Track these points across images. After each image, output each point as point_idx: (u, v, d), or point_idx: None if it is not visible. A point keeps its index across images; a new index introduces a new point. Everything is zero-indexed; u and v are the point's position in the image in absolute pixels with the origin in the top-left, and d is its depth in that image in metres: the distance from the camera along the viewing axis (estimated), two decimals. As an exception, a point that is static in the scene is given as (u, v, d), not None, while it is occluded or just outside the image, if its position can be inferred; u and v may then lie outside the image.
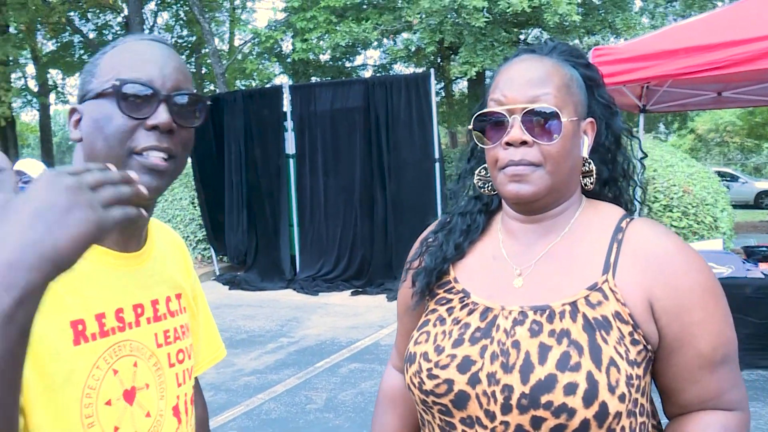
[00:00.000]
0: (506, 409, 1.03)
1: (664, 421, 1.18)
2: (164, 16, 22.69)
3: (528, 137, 1.08)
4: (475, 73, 12.60)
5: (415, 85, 8.92)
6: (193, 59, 20.35)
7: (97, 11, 20.26)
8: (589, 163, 1.18)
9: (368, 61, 23.06)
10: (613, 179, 1.24)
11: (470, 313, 1.14)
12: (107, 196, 0.76)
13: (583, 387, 0.99)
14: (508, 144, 1.10)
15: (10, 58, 14.49)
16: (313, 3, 13.17)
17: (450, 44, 13.54)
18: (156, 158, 0.99)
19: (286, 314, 7.87)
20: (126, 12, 17.98)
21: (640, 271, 1.08)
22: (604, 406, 0.99)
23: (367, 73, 20.18)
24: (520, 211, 1.18)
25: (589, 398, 0.98)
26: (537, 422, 1.01)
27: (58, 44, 20.91)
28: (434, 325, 1.16)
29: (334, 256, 9.45)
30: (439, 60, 18.45)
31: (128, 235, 1.07)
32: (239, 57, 17.08)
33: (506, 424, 1.03)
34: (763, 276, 5.10)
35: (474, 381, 1.06)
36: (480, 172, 1.24)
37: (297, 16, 13.19)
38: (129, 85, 0.98)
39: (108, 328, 1.00)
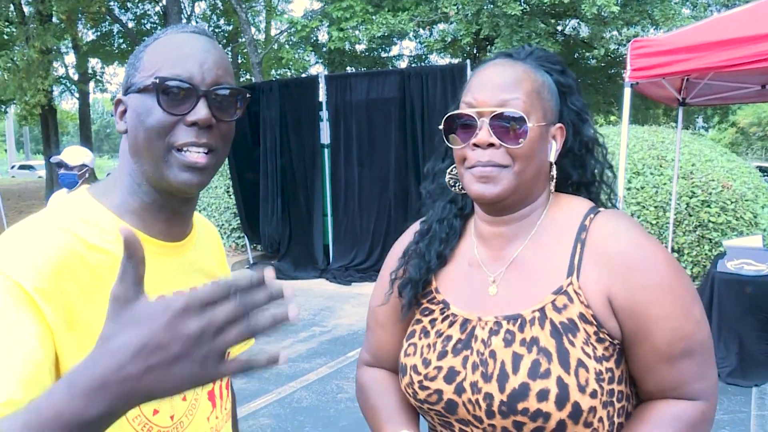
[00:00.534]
0: (490, 414, 1.11)
1: None
2: (201, 6, 22.91)
3: (495, 140, 1.12)
4: (510, 64, 12.49)
5: (451, 76, 8.87)
6: (229, 48, 20.52)
7: (136, 1, 20.55)
8: (553, 168, 1.21)
9: (404, 51, 23.00)
10: (583, 183, 1.27)
11: (451, 324, 1.20)
12: (229, 342, 0.67)
13: (555, 392, 1.05)
14: (475, 145, 1.14)
15: (53, 48, 14.76)
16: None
17: (486, 36, 13.44)
18: (196, 155, 1.00)
19: (319, 303, 7.94)
20: (164, 2, 18.19)
21: (600, 270, 1.11)
22: (576, 405, 1.05)
23: (403, 64, 20.14)
24: (487, 212, 1.21)
25: (561, 401, 1.05)
26: (518, 426, 1.09)
27: (98, 34, 21.27)
28: (419, 338, 1.23)
29: (367, 247, 9.49)
30: (475, 51, 18.34)
31: (176, 224, 1.09)
32: (275, 47, 17.17)
33: (493, 426, 1.12)
34: (804, 274, 4.99)
35: (459, 390, 1.14)
36: (451, 170, 1.28)
37: (333, 5, 13.23)
38: (168, 81, 0.99)
39: None
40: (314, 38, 17.83)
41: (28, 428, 0.66)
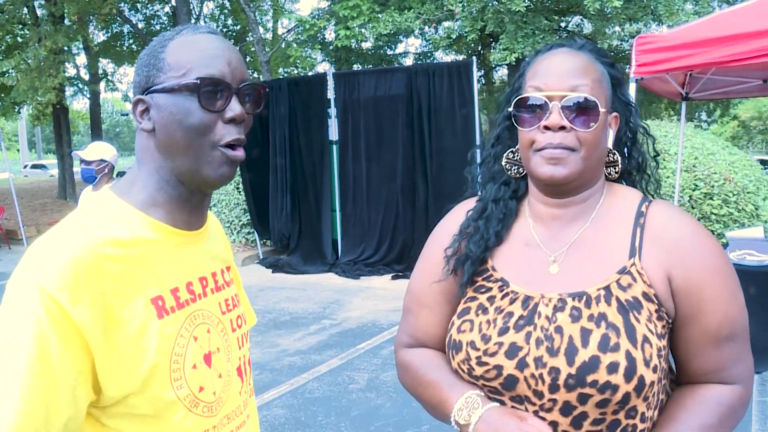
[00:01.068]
0: (554, 389, 1.13)
1: None
2: (210, 6, 23.04)
3: (566, 123, 1.16)
4: (514, 59, 12.58)
5: (457, 73, 8.96)
6: (238, 48, 20.66)
7: (146, 2, 20.71)
8: (614, 154, 1.28)
9: (409, 48, 23.07)
10: (627, 172, 1.33)
11: (512, 302, 1.22)
12: None
13: (624, 365, 1.10)
14: (546, 128, 1.17)
15: (64, 47, 14.91)
16: (356, -9, 13.28)
17: (491, 32, 13.52)
18: (238, 150, 1.08)
19: (328, 297, 8.07)
20: (173, 2, 18.33)
21: (660, 253, 1.18)
22: (641, 379, 1.10)
23: (408, 61, 20.21)
24: (549, 194, 1.25)
25: (629, 374, 1.09)
26: (584, 398, 1.11)
27: (109, 35, 21.43)
28: (476, 314, 1.24)
29: (375, 241, 9.62)
30: (479, 48, 18.41)
31: (198, 215, 1.18)
32: (282, 45, 17.30)
33: (554, 401, 1.14)
34: (804, 264, 5.08)
35: (522, 365, 1.16)
36: (508, 155, 1.31)
37: (340, 4, 13.33)
38: (207, 81, 1.04)
39: (183, 300, 1.10)
40: (321, 37, 17.93)
41: None
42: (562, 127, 1.17)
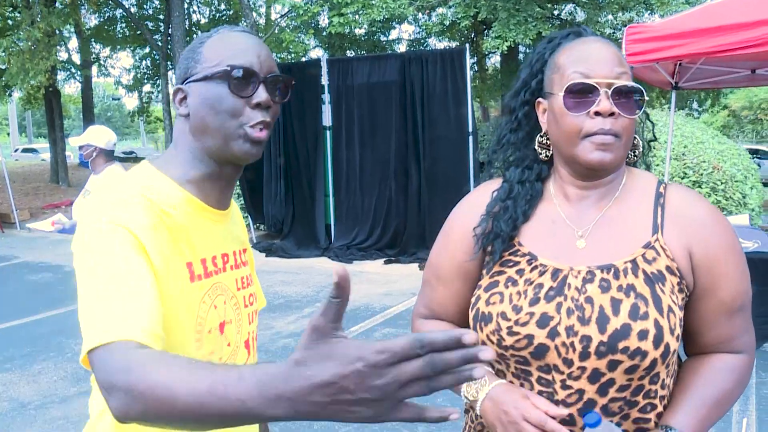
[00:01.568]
0: (584, 356, 1.18)
1: None
2: (203, -10, 22.92)
3: (616, 109, 1.20)
4: (507, 48, 12.64)
5: (450, 60, 9.03)
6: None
7: (138, -15, 20.60)
8: (635, 138, 1.33)
9: (403, 35, 23.04)
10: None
11: (541, 274, 1.26)
12: (408, 395, 0.70)
13: (653, 332, 1.16)
14: (596, 114, 1.21)
15: (57, 30, 14.84)
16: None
17: (484, 19, 13.56)
18: (259, 132, 1.19)
19: (322, 281, 8.15)
20: (166, -15, 18.23)
21: (680, 230, 1.25)
22: (667, 346, 1.18)
23: (402, 47, 20.23)
24: (584, 177, 1.29)
25: (657, 341, 1.16)
26: (613, 365, 1.17)
27: (101, 19, 21.33)
28: (506, 286, 1.28)
29: (368, 226, 9.71)
30: (472, 35, 18.43)
31: (225, 195, 1.30)
32: (276, 31, 17.27)
33: (583, 369, 1.19)
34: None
35: (553, 334, 1.20)
36: (539, 139, 1.35)
37: (334, -10, 13.33)
38: (237, 70, 1.17)
39: (209, 270, 1.22)
40: (315, 23, 17.91)
41: (212, 394, 0.79)
42: (612, 114, 1.20)
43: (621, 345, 1.16)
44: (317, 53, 19.96)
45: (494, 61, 22.46)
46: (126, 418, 0.88)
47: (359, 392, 0.70)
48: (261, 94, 1.19)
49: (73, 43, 23.04)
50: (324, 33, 17.93)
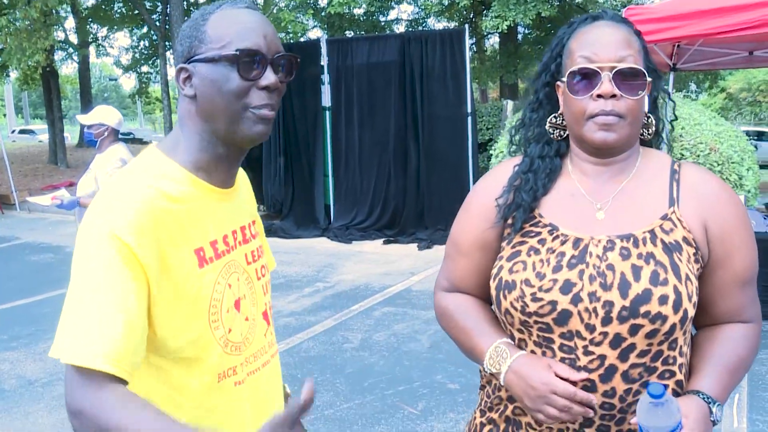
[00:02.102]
0: (606, 321, 1.23)
1: None
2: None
3: (617, 91, 1.26)
4: (506, 27, 12.61)
5: (449, 41, 9.05)
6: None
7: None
8: (649, 118, 1.38)
9: (402, 15, 22.94)
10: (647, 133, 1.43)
11: (563, 243, 1.31)
12: None
13: (672, 297, 1.21)
14: (599, 96, 1.27)
15: (53, 9, 14.76)
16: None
17: (483, -1, 13.52)
18: (267, 112, 1.20)
19: (322, 261, 8.23)
20: (163, -36, 18.09)
21: (696, 204, 1.31)
22: (685, 312, 1.23)
23: (401, 28, 20.15)
24: (597, 155, 1.35)
25: (676, 306, 1.21)
26: (634, 329, 1.22)
27: None
28: (528, 255, 1.32)
29: (367, 206, 9.76)
30: (471, 15, 18.36)
31: (231, 174, 1.32)
32: (274, 11, 17.18)
33: (604, 334, 1.23)
34: (782, 230, 5.26)
35: (576, 300, 1.24)
36: (551, 120, 1.41)
37: (333, -30, 13.25)
38: (246, 53, 1.16)
39: (220, 251, 1.24)
40: (313, 2, 17.82)
41: None
42: (613, 96, 1.26)
43: (642, 309, 1.21)
44: (316, 33, 19.88)
45: (493, 42, 22.39)
46: None
47: None
48: (269, 77, 1.19)
49: (70, 23, 22.89)
50: (323, 13, 17.84)
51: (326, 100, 9.83)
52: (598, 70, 1.28)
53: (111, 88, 63.48)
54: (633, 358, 1.25)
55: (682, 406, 1.17)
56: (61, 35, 21.30)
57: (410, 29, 19.23)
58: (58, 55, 21.94)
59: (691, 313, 1.25)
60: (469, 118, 8.97)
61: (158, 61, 20.39)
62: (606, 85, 1.26)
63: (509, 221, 1.41)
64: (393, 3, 18.66)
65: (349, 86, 9.64)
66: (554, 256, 1.30)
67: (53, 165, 20.07)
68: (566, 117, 1.37)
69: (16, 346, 5.32)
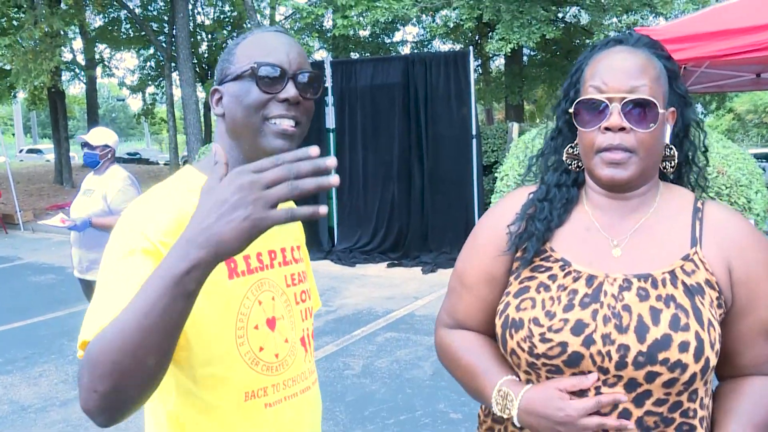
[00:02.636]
0: (621, 366, 1.14)
1: None
2: (207, -9, 22.95)
3: (626, 124, 1.18)
4: (510, 50, 12.62)
5: (454, 63, 9.03)
6: (234, 34, 20.60)
7: (143, -14, 20.63)
8: (671, 149, 1.29)
9: (407, 37, 23.07)
10: (677, 164, 1.33)
11: (575, 280, 1.23)
12: (276, 194, 0.85)
13: (694, 345, 1.12)
14: (606, 129, 1.19)
15: (59, 30, 14.88)
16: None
17: (488, 21, 13.55)
18: (286, 124, 1.20)
19: (324, 284, 8.12)
20: (170, -13, 18.24)
21: (720, 245, 1.22)
22: (707, 360, 1.14)
23: (406, 50, 20.22)
24: (608, 190, 1.28)
25: (698, 354, 1.12)
26: (651, 377, 1.13)
27: (106, 20, 21.36)
28: (537, 292, 1.24)
29: (371, 229, 9.68)
30: (476, 37, 18.42)
31: None
32: (280, 32, 17.25)
33: (618, 378, 1.15)
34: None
35: (588, 342, 1.16)
36: (568, 150, 1.33)
37: (338, -7, 13.32)
38: (264, 66, 1.19)
39: (253, 267, 1.24)
40: (318, 24, 17.91)
41: (140, 295, 0.90)
42: (622, 128, 1.19)
43: (661, 356, 1.13)
44: (322, 55, 19.98)
45: (498, 63, 22.46)
46: (100, 402, 0.92)
47: (232, 195, 0.86)
48: (289, 90, 1.20)
49: (78, 43, 23.09)
50: (328, 35, 17.93)
51: (330, 121, 9.80)
52: (606, 101, 1.20)
53: (119, 108, 63.91)
54: (649, 405, 1.16)
55: None
56: (68, 56, 21.48)
57: (415, 51, 19.28)
58: (65, 76, 22.08)
59: (714, 362, 1.16)
60: (474, 141, 8.92)
61: (164, 82, 20.51)
62: (614, 117, 1.19)
63: (519, 253, 1.32)
64: (398, 25, 18.72)
65: (353, 108, 9.62)
66: (565, 293, 1.22)
67: (59, 185, 20.12)
68: (579, 147, 1.30)
69: (11, 369, 5.23)
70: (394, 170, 9.47)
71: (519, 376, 1.27)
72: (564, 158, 1.35)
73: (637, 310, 1.16)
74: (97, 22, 21.76)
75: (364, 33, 18.17)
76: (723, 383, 1.29)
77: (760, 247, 1.24)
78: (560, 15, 16.28)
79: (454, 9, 13.91)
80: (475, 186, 8.84)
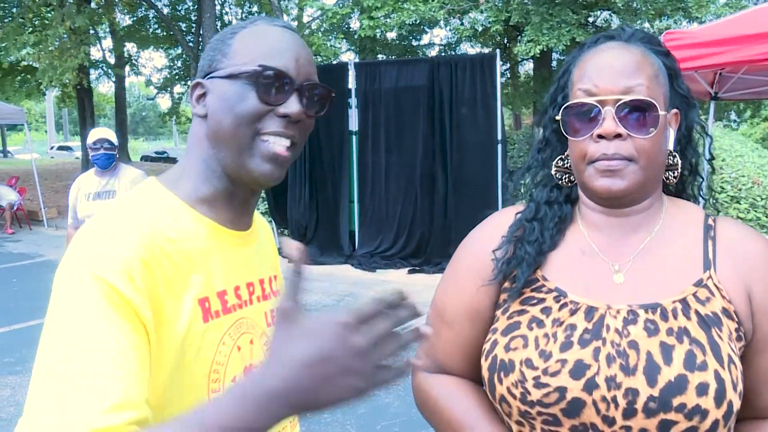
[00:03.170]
0: (629, 413, 0.98)
1: None
2: (235, -8, 23.05)
3: (622, 130, 1.04)
4: (539, 52, 12.39)
5: (480, 66, 8.85)
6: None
7: (171, -14, 20.79)
8: (674, 156, 1.13)
9: (435, 40, 22.96)
10: (680, 172, 1.19)
11: (572, 313, 1.07)
12: (385, 355, 0.74)
13: (714, 386, 0.96)
14: (600, 137, 1.05)
15: (86, 29, 15.02)
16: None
17: (516, 23, 13.34)
18: (280, 147, 1.00)
19: (343, 289, 8.00)
20: (199, -13, 18.32)
21: (737, 268, 1.06)
22: (730, 405, 0.97)
23: (433, 53, 20.09)
24: (605, 205, 1.13)
25: (719, 398, 0.96)
26: (666, 426, 0.97)
27: (134, 19, 21.57)
28: (529, 328, 1.08)
29: (392, 234, 9.53)
30: (505, 41, 18.21)
31: (244, 214, 1.08)
32: (306, 33, 17.24)
33: (628, 428, 0.99)
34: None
35: (590, 386, 1.00)
36: (558, 162, 1.18)
37: (365, -6, 13.23)
38: (269, 72, 0.98)
39: (230, 305, 1.02)
40: (346, 26, 17.85)
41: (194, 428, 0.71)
42: (618, 135, 1.04)
43: (676, 401, 0.96)
44: (349, 57, 19.92)
45: (527, 68, 22.22)
46: None
47: (343, 357, 0.71)
48: (292, 105, 0.99)
49: (108, 42, 23.34)
50: (355, 36, 17.86)
51: (353, 124, 9.67)
52: (598, 104, 1.04)
53: (149, 107, 64.69)
54: None
55: None
56: (98, 54, 21.72)
57: (442, 54, 19.13)
58: (94, 74, 22.32)
59: (737, 405, 0.98)
60: (499, 146, 8.73)
61: (190, 81, 20.59)
62: (608, 123, 1.04)
63: (506, 283, 1.14)
64: (425, 27, 18.57)
65: (377, 110, 9.47)
66: (562, 329, 1.06)
67: (85, 182, 20.29)
68: (570, 159, 1.12)
69: (20, 370, 5.18)
70: (417, 174, 9.31)
71: (511, 428, 1.09)
72: (553, 172, 1.18)
73: (645, 347, 1.00)
74: (126, 21, 21.97)
75: (391, 35, 18.08)
76: (742, 425, 1.11)
77: None
78: (591, 19, 16.01)
79: (481, 11, 13.74)
80: (499, 192, 8.63)
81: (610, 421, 0.99)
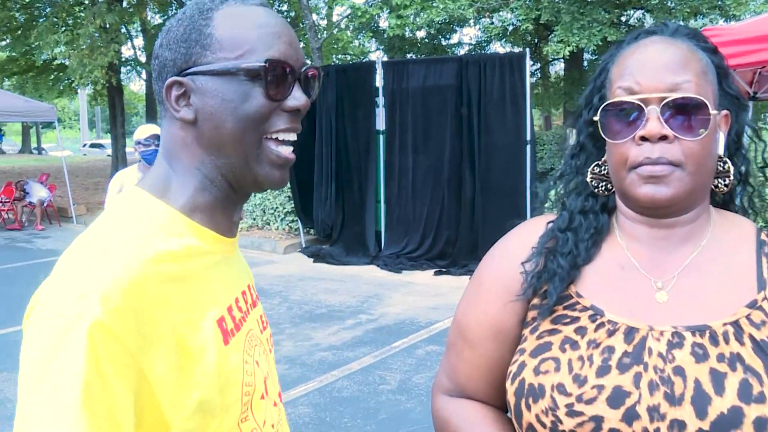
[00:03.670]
0: None
1: None
2: (265, -9, 23.19)
3: (668, 131, 0.94)
4: (569, 52, 12.20)
5: (509, 65, 8.72)
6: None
7: (202, -15, 20.97)
8: (725, 163, 1.03)
9: (464, 38, 22.81)
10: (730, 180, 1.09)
11: (610, 334, 0.97)
12: None
13: None
14: (643, 139, 0.95)
15: (118, 27, 15.20)
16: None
17: (547, 22, 13.14)
18: (287, 150, 0.92)
19: (368, 290, 7.93)
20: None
21: None
22: None
23: (463, 52, 19.95)
24: (647, 215, 1.03)
25: None
26: None
27: (165, 17, 21.74)
28: (562, 350, 0.98)
29: (419, 235, 9.43)
30: (535, 40, 18.01)
31: (235, 222, 1.00)
32: (335, 31, 17.23)
33: None
34: None
35: (630, 417, 0.90)
36: (594, 169, 1.08)
37: (394, -8, 13.15)
38: (275, 64, 0.88)
39: (238, 319, 0.93)
40: (374, 25, 17.79)
41: None
42: (663, 137, 0.94)
43: None
44: (377, 56, 19.86)
45: (558, 69, 21.97)
46: None
47: None
48: (298, 96, 0.91)
49: (140, 41, 23.62)
50: (384, 35, 17.80)
51: (380, 123, 9.59)
52: (641, 103, 0.94)
53: (179, 106, 65.63)
54: None
55: None
56: (129, 52, 21.95)
57: (472, 53, 18.98)
58: (123, 71, 22.59)
59: None
60: (528, 147, 8.58)
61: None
62: (652, 123, 0.94)
63: (535, 300, 1.03)
64: (455, 26, 18.43)
65: (404, 110, 9.39)
66: (598, 352, 0.95)
67: (115, 180, 20.54)
68: (609, 165, 1.02)
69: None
70: (445, 174, 9.20)
71: None
72: (589, 179, 1.07)
73: (693, 375, 0.90)
74: (156, 19, 22.17)
75: (420, 34, 17.99)
76: None
77: None
78: (624, 19, 15.73)
79: (511, 10, 13.58)
80: (527, 193, 8.49)
81: None
